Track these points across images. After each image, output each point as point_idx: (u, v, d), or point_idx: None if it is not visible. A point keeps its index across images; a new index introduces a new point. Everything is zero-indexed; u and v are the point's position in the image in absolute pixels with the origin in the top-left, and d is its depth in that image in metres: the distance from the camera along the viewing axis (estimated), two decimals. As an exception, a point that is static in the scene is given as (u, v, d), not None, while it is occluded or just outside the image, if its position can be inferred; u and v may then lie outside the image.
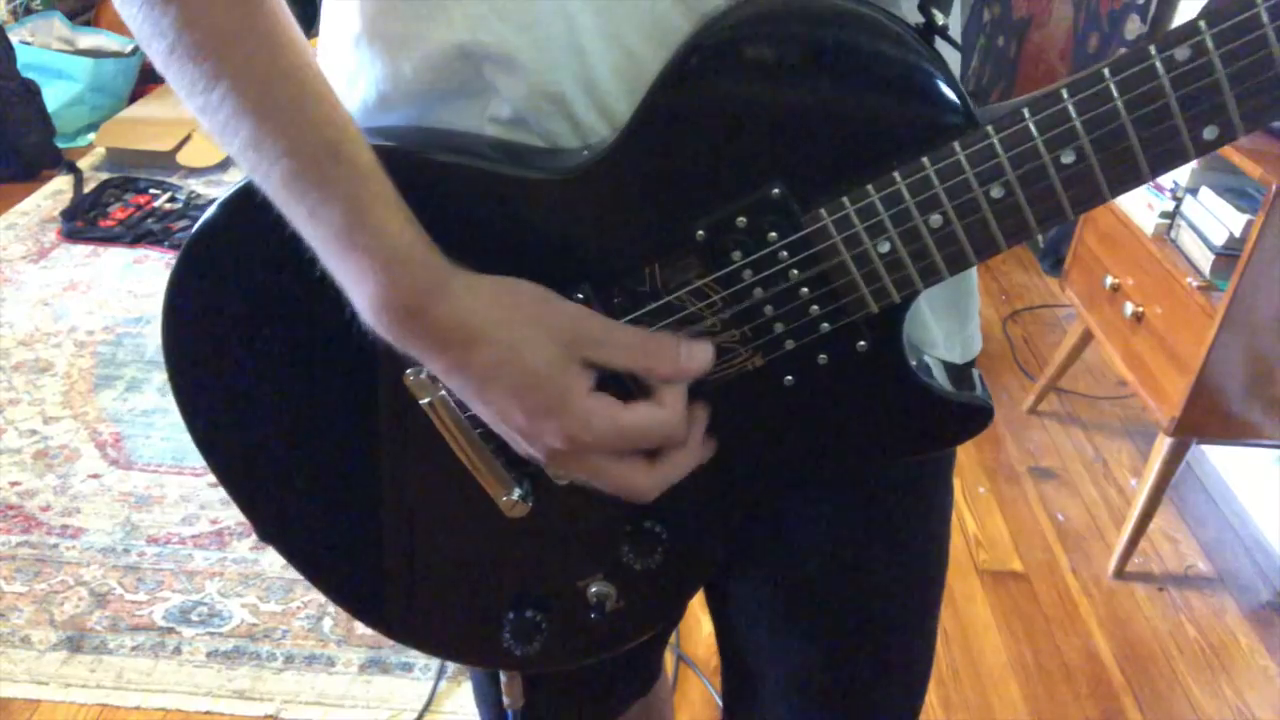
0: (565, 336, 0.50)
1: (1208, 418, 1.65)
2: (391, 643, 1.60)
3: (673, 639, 1.63)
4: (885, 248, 0.52)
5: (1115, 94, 0.47)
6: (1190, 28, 0.45)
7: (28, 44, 3.36)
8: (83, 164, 3.16)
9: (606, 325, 0.52)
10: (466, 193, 0.53)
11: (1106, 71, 0.47)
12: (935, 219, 0.50)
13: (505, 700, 0.74)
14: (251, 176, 0.49)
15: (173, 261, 0.61)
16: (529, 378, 0.50)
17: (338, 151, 0.47)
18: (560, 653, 0.68)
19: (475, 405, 0.52)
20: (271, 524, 0.66)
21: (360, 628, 1.64)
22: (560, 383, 0.50)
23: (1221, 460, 2.11)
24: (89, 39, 3.54)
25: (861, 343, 0.55)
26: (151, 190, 2.97)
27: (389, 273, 0.47)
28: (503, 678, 0.74)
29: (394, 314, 0.48)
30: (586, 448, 0.52)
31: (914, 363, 0.56)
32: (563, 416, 0.50)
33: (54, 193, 3.04)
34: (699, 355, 0.53)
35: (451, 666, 1.57)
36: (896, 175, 0.50)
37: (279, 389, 0.61)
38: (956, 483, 2.31)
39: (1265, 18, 0.44)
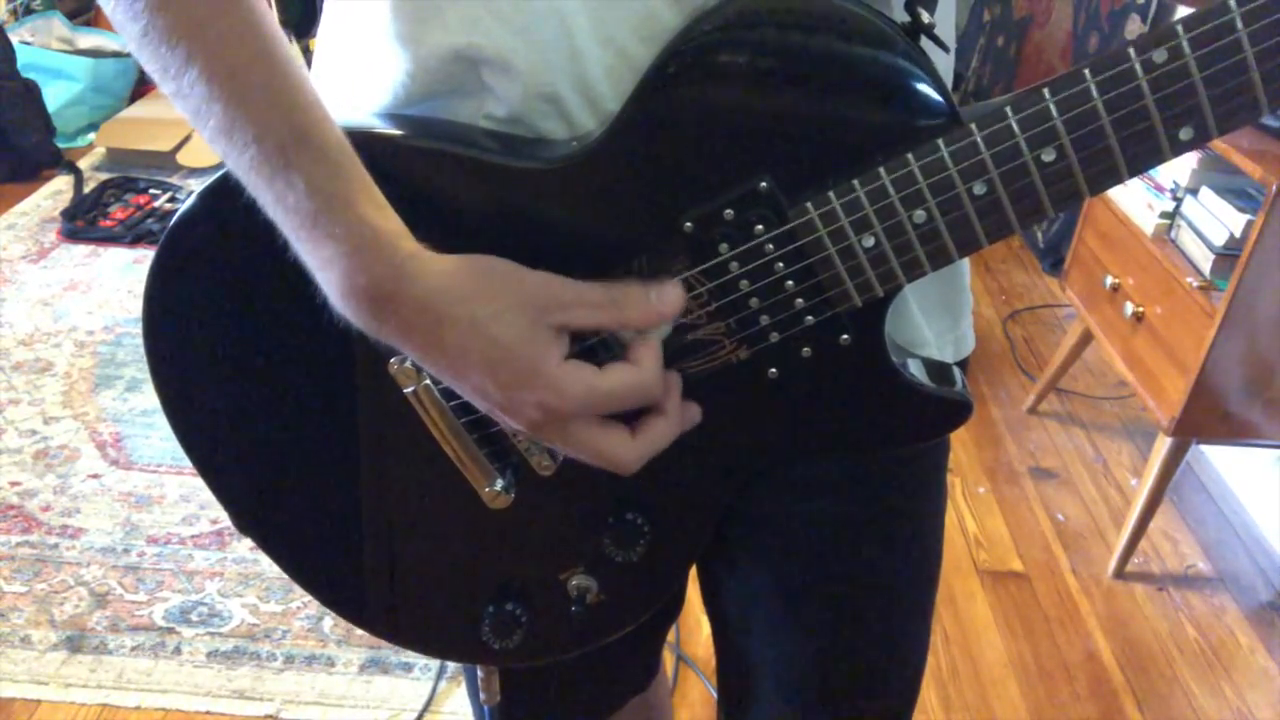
0: (533, 305, 0.50)
1: (1208, 418, 1.65)
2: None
3: (672, 638, 1.63)
4: (870, 242, 0.52)
5: (1095, 94, 0.48)
6: (1168, 31, 0.46)
7: (28, 44, 3.37)
8: (83, 164, 3.17)
9: (573, 287, 0.52)
10: (453, 180, 0.53)
11: (1087, 72, 0.48)
12: (919, 215, 0.51)
13: (481, 696, 0.74)
14: (224, 161, 0.49)
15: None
16: (499, 351, 0.49)
17: (306, 137, 0.47)
18: (540, 646, 0.68)
19: (452, 384, 0.52)
20: (249, 514, 0.66)
21: (360, 628, 1.64)
22: (531, 353, 0.50)
23: (1221, 460, 2.11)
24: (89, 39, 3.54)
25: (844, 336, 0.55)
26: (151, 190, 2.98)
27: (356, 258, 0.47)
28: (479, 673, 0.74)
29: (361, 299, 0.48)
30: (564, 415, 0.51)
31: (896, 359, 0.57)
32: (537, 387, 0.50)
33: (54, 193, 3.04)
34: (669, 296, 0.53)
35: (451, 667, 1.57)
36: (882, 171, 0.51)
37: (259, 377, 0.61)
38: (957, 482, 2.30)
39: (1239, 23, 0.45)
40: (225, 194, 0.50)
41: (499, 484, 0.59)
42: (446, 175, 0.53)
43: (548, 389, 0.50)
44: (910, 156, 0.50)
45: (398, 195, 0.49)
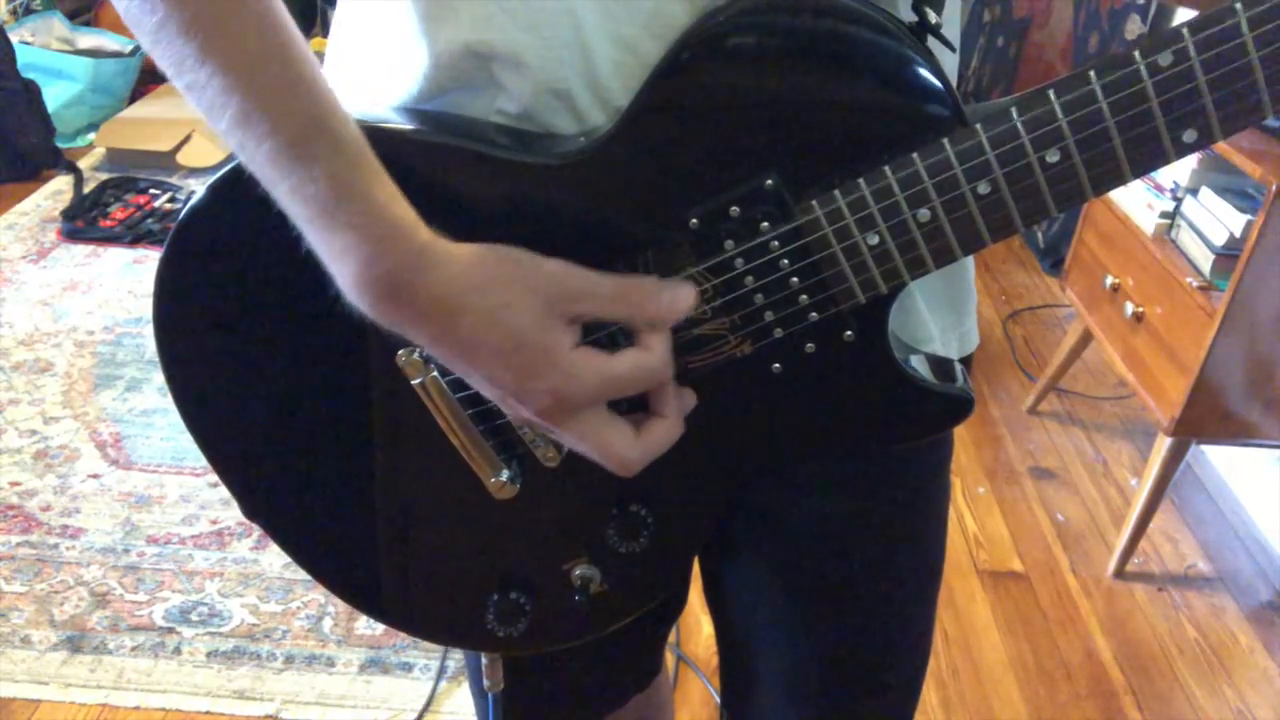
0: (547, 294, 0.50)
1: (1208, 418, 1.66)
2: (392, 643, 1.61)
3: (672, 638, 1.63)
4: (874, 240, 0.52)
5: (1100, 96, 0.48)
6: (1173, 34, 0.47)
7: (28, 44, 3.37)
8: (83, 164, 3.16)
9: (588, 277, 0.52)
10: (462, 175, 0.54)
11: (1092, 74, 0.48)
12: (923, 213, 0.51)
13: (485, 683, 0.75)
14: (239, 154, 0.49)
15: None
16: (513, 340, 0.50)
17: (323, 128, 0.47)
18: (545, 635, 0.68)
19: (464, 373, 0.52)
20: (258, 501, 0.66)
21: (360, 628, 1.64)
22: (544, 341, 0.50)
23: (1221, 460, 2.11)
24: (89, 39, 3.54)
25: (848, 333, 0.56)
26: (151, 190, 2.98)
27: (372, 248, 0.47)
28: (483, 660, 0.74)
29: (377, 288, 0.48)
30: (577, 403, 0.52)
31: (899, 356, 0.57)
32: (550, 374, 0.50)
33: (54, 193, 3.04)
34: (682, 296, 0.54)
35: (451, 667, 1.57)
36: (887, 170, 0.51)
37: (268, 368, 0.61)
38: (956, 482, 2.30)
39: (1244, 27, 0.45)
40: (235, 187, 0.50)
41: (505, 475, 0.60)
42: (455, 170, 0.54)
43: (560, 375, 0.50)
44: (915, 156, 0.50)
45: (407, 189, 0.49)
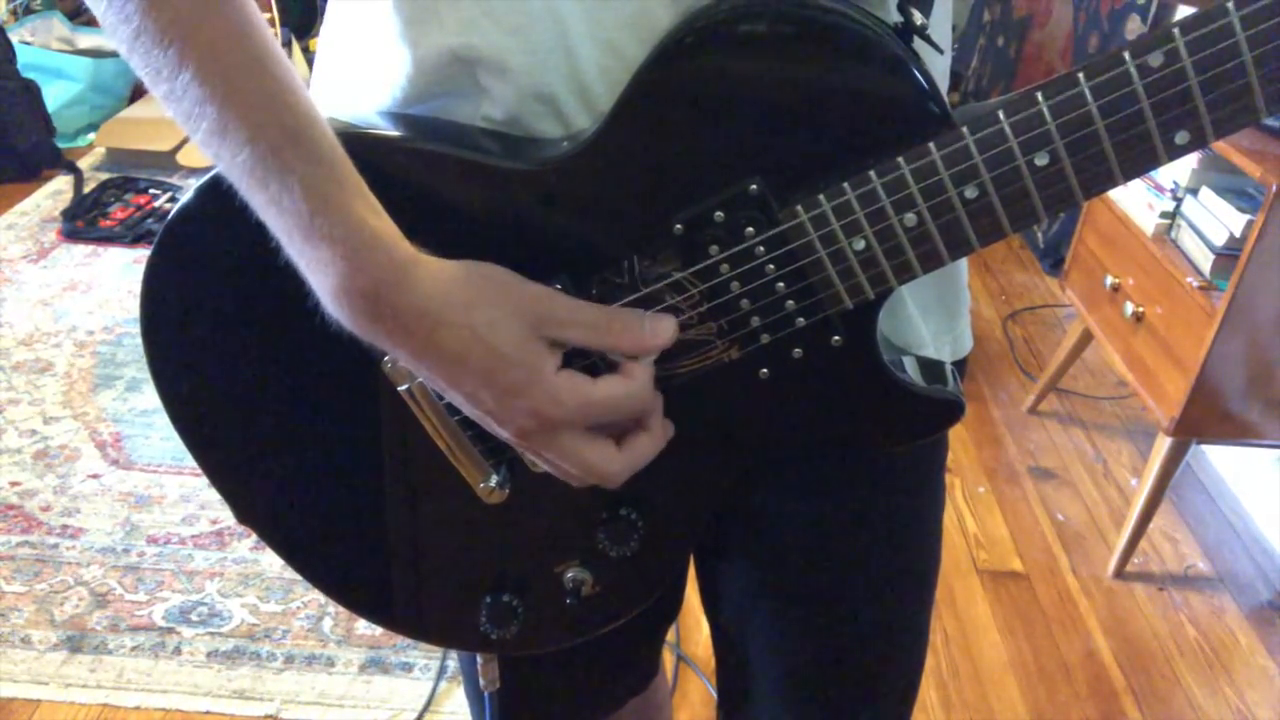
0: (531, 315, 0.50)
1: (1208, 418, 1.65)
2: (391, 643, 1.61)
3: (672, 638, 1.63)
4: (860, 245, 0.52)
5: (1090, 99, 0.47)
6: (1164, 34, 0.46)
7: (28, 44, 3.37)
8: (83, 164, 3.17)
9: (570, 304, 0.52)
10: (447, 181, 0.53)
11: (1081, 76, 0.47)
12: (910, 218, 0.51)
13: (481, 683, 0.75)
14: (216, 164, 0.48)
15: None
16: (496, 359, 0.50)
17: (300, 138, 0.47)
18: (537, 636, 0.68)
19: (444, 390, 0.52)
20: (247, 503, 0.66)
21: (360, 628, 1.64)
22: (527, 361, 0.50)
23: (1221, 460, 2.11)
24: (89, 39, 3.54)
25: (835, 337, 0.55)
26: (151, 190, 2.98)
27: (351, 260, 0.47)
28: (479, 660, 0.74)
29: (356, 301, 0.48)
30: (557, 425, 0.52)
31: (889, 358, 0.57)
32: (532, 394, 0.50)
33: (54, 193, 3.04)
34: (662, 329, 0.54)
35: (451, 667, 1.57)
36: (872, 174, 0.50)
37: (256, 372, 0.61)
38: (957, 483, 2.29)
39: (1238, 27, 0.44)
40: (223, 189, 0.50)
41: (494, 480, 0.60)
42: (438, 176, 0.53)
43: (543, 396, 0.50)
44: (901, 159, 0.50)
45: (390, 195, 0.49)
